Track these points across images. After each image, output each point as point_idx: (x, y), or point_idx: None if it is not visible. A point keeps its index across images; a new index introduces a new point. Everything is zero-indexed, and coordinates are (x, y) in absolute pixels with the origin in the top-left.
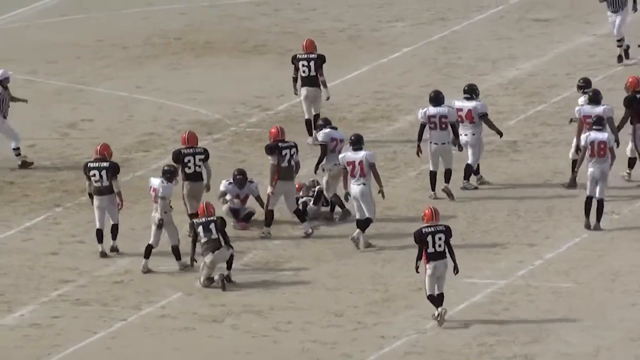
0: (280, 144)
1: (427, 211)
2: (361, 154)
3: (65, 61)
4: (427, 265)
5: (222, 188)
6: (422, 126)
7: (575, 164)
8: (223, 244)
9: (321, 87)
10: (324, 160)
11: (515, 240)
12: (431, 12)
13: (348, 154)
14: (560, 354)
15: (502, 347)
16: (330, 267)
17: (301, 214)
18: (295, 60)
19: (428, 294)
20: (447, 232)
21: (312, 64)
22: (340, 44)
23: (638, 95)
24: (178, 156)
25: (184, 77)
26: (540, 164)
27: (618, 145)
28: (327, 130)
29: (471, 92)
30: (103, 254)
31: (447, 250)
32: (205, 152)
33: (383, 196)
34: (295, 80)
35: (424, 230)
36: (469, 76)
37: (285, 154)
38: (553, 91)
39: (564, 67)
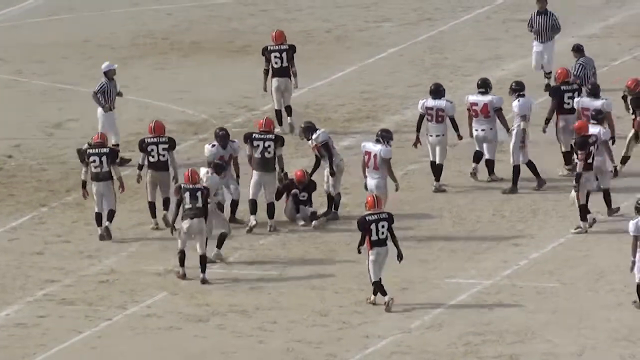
0: (254, 135)
1: (369, 199)
2: (378, 148)
3: (52, 61)
4: (370, 252)
5: (207, 154)
6: (421, 117)
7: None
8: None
9: (292, 77)
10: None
11: (501, 240)
12: (418, 12)
13: (368, 144)
14: (545, 353)
15: (488, 347)
16: (315, 266)
17: (272, 209)
18: (266, 52)
19: (373, 280)
20: (390, 219)
21: (284, 55)
22: (327, 44)
23: (563, 87)
24: (142, 145)
25: (170, 77)
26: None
27: (614, 142)
28: (322, 129)
29: (485, 86)
30: (102, 237)
31: (390, 237)
32: (170, 142)
33: (397, 188)
34: (266, 73)
35: (367, 217)
36: (454, 76)
37: (258, 145)
38: (539, 92)
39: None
